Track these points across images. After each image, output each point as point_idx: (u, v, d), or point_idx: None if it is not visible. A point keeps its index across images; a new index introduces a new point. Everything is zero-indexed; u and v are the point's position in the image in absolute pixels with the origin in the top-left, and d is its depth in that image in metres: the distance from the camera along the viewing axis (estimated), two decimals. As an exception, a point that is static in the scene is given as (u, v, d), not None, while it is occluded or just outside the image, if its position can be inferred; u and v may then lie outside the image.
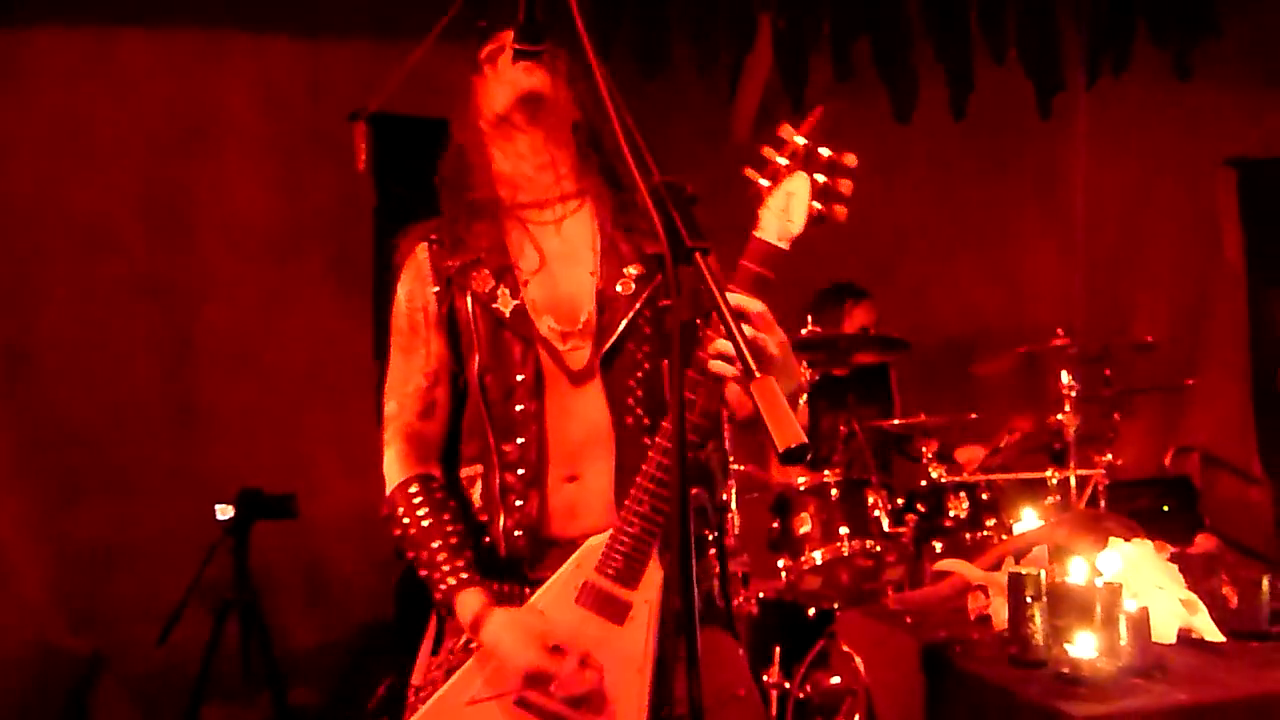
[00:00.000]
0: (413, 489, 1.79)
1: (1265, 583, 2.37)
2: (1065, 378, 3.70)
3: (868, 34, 3.75)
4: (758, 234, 1.58)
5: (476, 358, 1.79)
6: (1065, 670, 2.08)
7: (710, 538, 1.81)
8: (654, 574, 1.66)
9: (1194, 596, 2.37)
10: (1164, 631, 2.26)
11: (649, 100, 3.64)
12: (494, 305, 1.78)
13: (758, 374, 1.23)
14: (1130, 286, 5.17)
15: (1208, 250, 5.17)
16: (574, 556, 1.69)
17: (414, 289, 1.85)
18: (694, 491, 1.73)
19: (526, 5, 1.69)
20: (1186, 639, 2.30)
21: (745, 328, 1.44)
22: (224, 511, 3.73)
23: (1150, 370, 4.35)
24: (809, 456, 1.55)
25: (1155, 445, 5.11)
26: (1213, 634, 2.32)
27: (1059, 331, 3.88)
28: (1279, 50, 5.24)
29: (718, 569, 1.85)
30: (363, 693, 3.97)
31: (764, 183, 1.58)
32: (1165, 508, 4.60)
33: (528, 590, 1.73)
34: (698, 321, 1.59)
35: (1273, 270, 5.00)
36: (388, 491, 1.82)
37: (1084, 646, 2.09)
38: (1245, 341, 5.02)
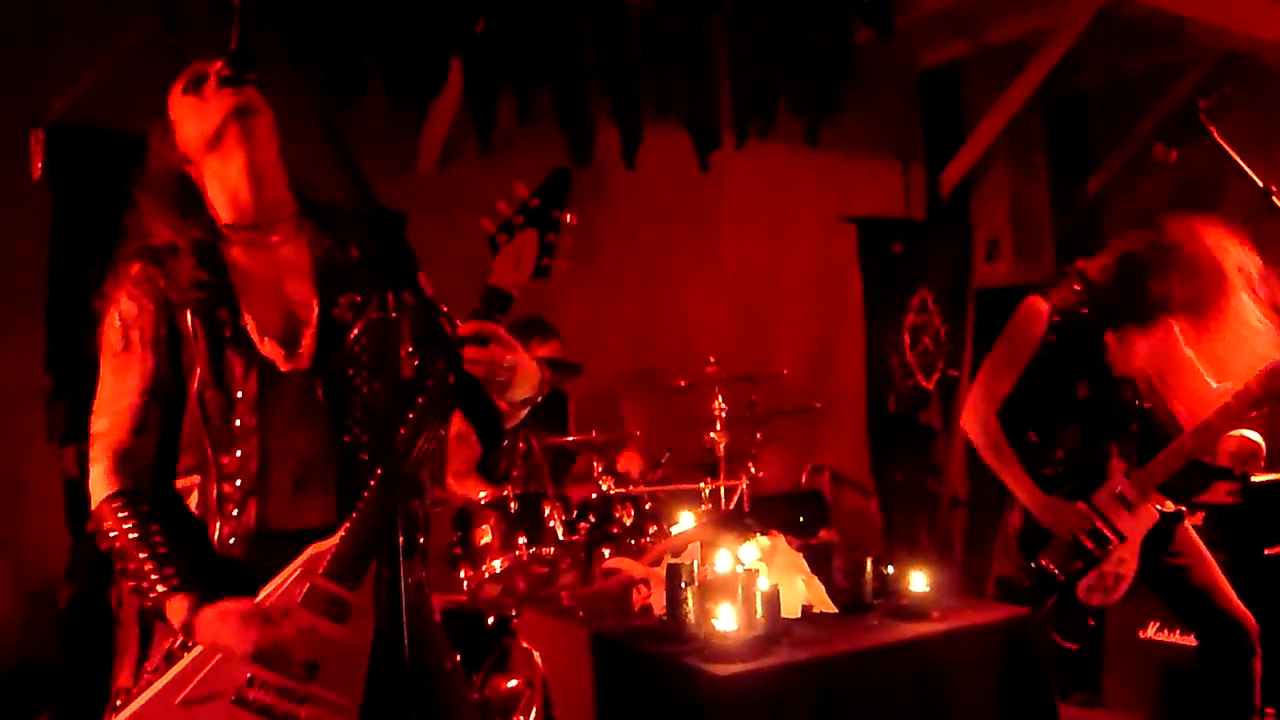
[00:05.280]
0: (117, 504, 1.81)
1: (868, 565, 2.89)
2: (718, 400, 4.18)
3: (549, 83, 4.06)
4: (492, 281, 1.79)
5: (198, 373, 1.84)
6: (713, 640, 2.46)
7: (420, 541, 1.98)
8: (373, 576, 1.79)
9: (814, 578, 2.86)
10: (791, 606, 2.71)
11: (340, 128, 3.71)
12: (216, 326, 1.84)
13: None
14: (771, 323, 5.85)
15: (835, 294, 5.98)
16: (298, 561, 1.78)
17: (128, 309, 1.86)
18: (413, 503, 1.91)
19: (239, 35, 1.78)
20: (808, 612, 2.77)
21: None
22: None
23: (787, 398, 4.95)
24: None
25: (793, 465, 5.82)
26: (828, 607, 2.81)
27: (711, 359, 4.38)
28: (890, 129, 6.26)
29: (423, 568, 2.00)
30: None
31: (500, 236, 1.79)
32: (800, 519, 5.28)
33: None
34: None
35: (883, 312, 5.88)
36: (93, 506, 1.84)
37: (726, 620, 2.48)
38: (862, 373, 5.85)
